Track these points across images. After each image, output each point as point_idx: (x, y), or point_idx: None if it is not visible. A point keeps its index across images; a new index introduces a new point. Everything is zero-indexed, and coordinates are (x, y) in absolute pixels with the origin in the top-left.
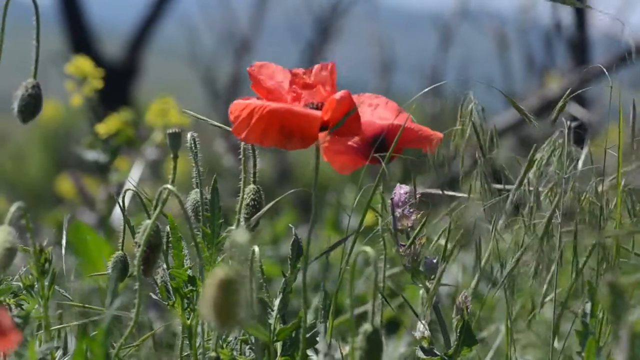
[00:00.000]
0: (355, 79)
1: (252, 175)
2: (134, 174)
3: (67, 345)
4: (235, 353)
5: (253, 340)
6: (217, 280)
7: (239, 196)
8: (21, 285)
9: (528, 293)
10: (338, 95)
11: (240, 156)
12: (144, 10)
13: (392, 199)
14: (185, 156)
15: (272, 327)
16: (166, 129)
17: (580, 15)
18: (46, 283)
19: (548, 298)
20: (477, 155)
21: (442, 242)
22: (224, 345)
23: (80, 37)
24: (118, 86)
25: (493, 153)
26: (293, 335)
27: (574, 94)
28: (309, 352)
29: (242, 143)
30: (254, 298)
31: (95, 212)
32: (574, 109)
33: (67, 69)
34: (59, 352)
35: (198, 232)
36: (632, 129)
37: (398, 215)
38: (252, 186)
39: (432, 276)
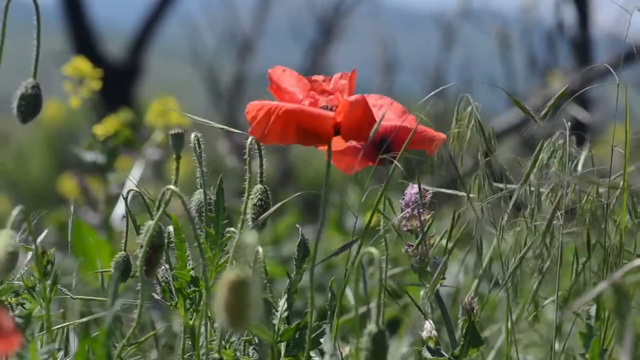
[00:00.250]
0: (358, 78)
1: (258, 175)
2: (135, 174)
3: (68, 345)
4: (238, 354)
5: (257, 341)
6: (228, 282)
7: (242, 197)
8: (23, 285)
9: (529, 293)
10: (352, 98)
11: (246, 156)
12: (146, 10)
13: (403, 198)
14: (188, 157)
15: (276, 328)
16: (167, 129)
17: (583, 14)
18: (48, 283)
19: (550, 299)
20: (478, 156)
21: (444, 242)
22: (227, 346)
23: (82, 37)
24: (120, 86)
25: (494, 154)
26: (297, 335)
27: (576, 94)
28: (312, 353)
29: (248, 143)
30: (259, 298)
31: (97, 212)
32: (575, 109)
33: (65, 70)
34: (61, 353)
35: (202, 233)
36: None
37: (408, 215)
38: (259, 186)
39: (441, 277)
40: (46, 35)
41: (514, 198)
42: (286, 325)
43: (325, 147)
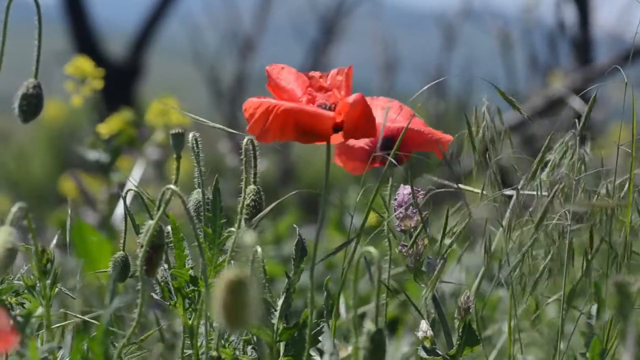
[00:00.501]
0: (359, 78)
1: (252, 176)
2: (135, 174)
3: (68, 344)
4: (237, 353)
5: (256, 340)
6: (226, 282)
7: (241, 196)
8: (23, 284)
9: (532, 292)
10: (351, 98)
11: (243, 156)
12: (147, 9)
13: (395, 199)
14: (188, 156)
15: (275, 327)
16: (167, 129)
17: (584, 14)
18: (48, 282)
19: (553, 298)
20: (486, 156)
21: (447, 241)
22: (226, 345)
23: (84, 37)
24: (122, 86)
25: (501, 153)
26: (296, 335)
27: (578, 94)
28: (311, 352)
29: (244, 143)
30: (257, 298)
31: (97, 212)
32: (577, 104)
33: (67, 69)
34: (61, 352)
35: (201, 233)
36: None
37: (401, 215)
38: (252, 187)
39: (438, 276)
40: (47, 35)
41: (514, 197)
42: (285, 324)
43: (325, 142)
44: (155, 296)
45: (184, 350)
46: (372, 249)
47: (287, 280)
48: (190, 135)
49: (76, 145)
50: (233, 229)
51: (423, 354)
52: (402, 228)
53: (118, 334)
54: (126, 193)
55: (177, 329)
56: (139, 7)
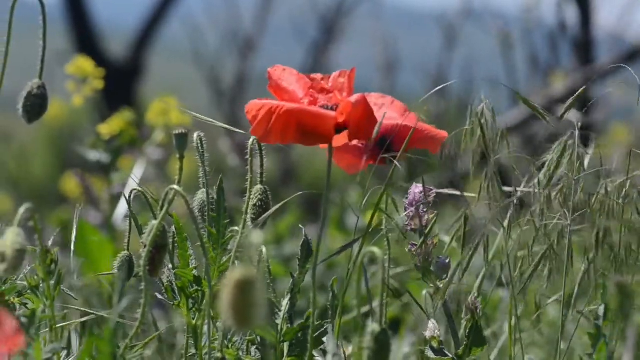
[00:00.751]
0: (359, 78)
1: (259, 175)
2: (136, 174)
3: (71, 344)
4: (241, 353)
5: (259, 341)
6: (234, 281)
7: (244, 196)
8: (26, 284)
9: (534, 292)
10: (353, 98)
11: (247, 156)
12: (148, 9)
13: (406, 197)
14: (189, 156)
15: (279, 328)
16: (167, 129)
17: (585, 14)
18: (52, 283)
19: (554, 298)
20: (485, 155)
21: (452, 243)
22: (230, 346)
23: (85, 37)
24: (123, 86)
25: (501, 153)
26: (300, 335)
27: (578, 94)
28: (314, 353)
29: (249, 143)
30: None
31: (99, 211)
32: (572, 114)
33: (68, 69)
34: (64, 353)
35: (204, 232)
36: None
37: (411, 214)
38: (259, 186)
39: (444, 276)
40: (48, 35)
41: (515, 196)
42: (289, 325)
43: (327, 145)
44: (159, 296)
45: (188, 350)
46: (376, 249)
47: (291, 280)
48: (195, 135)
49: (77, 145)
50: (236, 228)
51: (431, 354)
52: (412, 227)
53: (120, 334)
54: (130, 193)
55: (178, 328)
56: (140, 7)
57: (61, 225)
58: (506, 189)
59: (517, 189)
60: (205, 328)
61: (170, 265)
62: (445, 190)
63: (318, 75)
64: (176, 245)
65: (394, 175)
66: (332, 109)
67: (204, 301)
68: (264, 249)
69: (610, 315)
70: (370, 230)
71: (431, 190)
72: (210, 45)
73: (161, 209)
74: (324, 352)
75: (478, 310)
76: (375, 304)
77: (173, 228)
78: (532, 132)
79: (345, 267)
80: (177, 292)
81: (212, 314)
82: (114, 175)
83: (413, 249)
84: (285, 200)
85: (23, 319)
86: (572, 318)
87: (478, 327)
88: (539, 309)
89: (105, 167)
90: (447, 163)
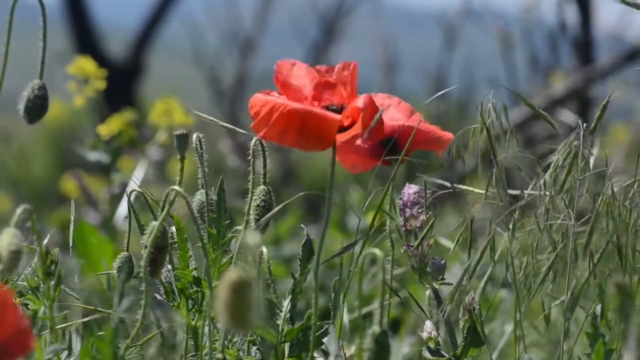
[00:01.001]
0: (360, 77)
1: (261, 176)
2: (137, 174)
3: (71, 345)
4: (242, 354)
5: (260, 341)
6: (230, 282)
7: (244, 197)
8: (27, 285)
9: (537, 293)
10: (361, 102)
11: (249, 157)
12: (148, 9)
13: (401, 198)
14: (190, 157)
15: (280, 328)
16: (170, 129)
17: (585, 14)
18: (52, 284)
19: (559, 300)
20: (491, 155)
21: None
22: (230, 346)
23: (84, 37)
24: (123, 86)
25: (506, 153)
26: (300, 336)
27: (578, 94)
28: (315, 353)
29: (252, 143)
30: (261, 299)
31: (99, 212)
32: (566, 115)
33: (69, 70)
34: (64, 354)
35: (204, 233)
36: None
37: (407, 215)
38: (262, 187)
39: (440, 277)
40: (48, 35)
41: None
42: (290, 325)
43: (323, 149)
44: (158, 297)
45: (187, 351)
46: (376, 250)
47: (292, 280)
48: (194, 136)
49: (77, 145)
50: (239, 228)
51: (427, 354)
52: (408, 228)
53: (120, 334)
54: (130, 193)
55: (178, 329)
56: (140, 7)
57: (61, 225)
58: (512, 192)
59: (524, 192)
60: (206, 329)
61: (170, 266)
62: (444, 190)
63: (323, 67)
64: (176, 246)
65: (396, 175)
66: (335, 109)
67: (204, 302)
68: (265, 250)
69: (607, 314)
70: (369, 230)
71: (428, 190)
72: (210, 45)
73: (162, 209)
74: (325, 353)
75: (475, 311)
76: (376, 304)
77: (172, 229)
78: (532, 132)
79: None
80: (176, 293)
81: (212, 315)
82: (114, 175)
83: (409, 250)
84: (287, 201)
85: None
86: (574, 318)
87: (475, 327)
88: (544, 311)
89: (105, 168)
90: (450, 163)
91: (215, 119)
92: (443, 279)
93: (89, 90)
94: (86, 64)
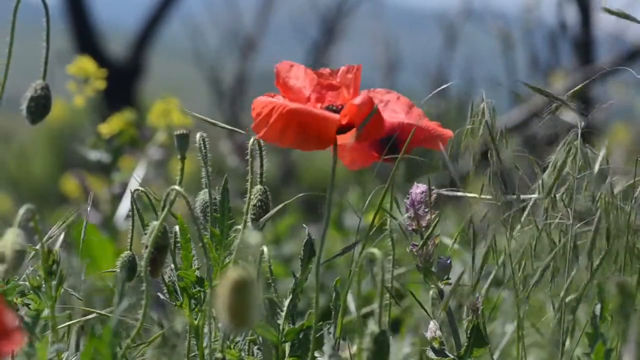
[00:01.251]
0: (360, 77)
1: (258, 176)
2: (137, 174)
3: (76, 344)
4: (243, 354)
5: (261, 341)
6: (230, 282)
7: (244, 197)
8: (28, 285)
9: (534, 292)
10: (358, 100)
11: (247, 157)
12: (148, 9)
13: (408, 197)
14: (191, 156)
15: (280, 328)
16: (169, 129)
17: (585, 14)
18: (54, 283)
19: (561, 300)
20: (487, 155)
21: (455, 244)
22: (232, 346)
23: (85, 37)
24: (123, 86)
25: (504, 153)
26: (301, 336)
27: (578, 94)
28: (316, 353)
29: (250, 143)
30: (262, 298)
31: (100, 212)
32: (567, 115)
33: (69, 69)
34: (66, 353)
35: (206, 233)
36: None
37: (413, 215)
38: (258, 187)
39: (445, 277)
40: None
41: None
42: (291, 325)
43: (323, 148)
44: (161, 296)
45: (190, 351)
46: (376, 251)
47: (293, 280)
48: (198, 135)
49: (77, 145)
50: (239, 227)
51: (431, 354)
52: (414, 227)
53: (121, 334)
54: (133, 193)
55: (179, 329)
56: (140, 7)
57: (63, 225)
58: (509, 197)
59: (522, 196)
60: (207, 328)
61: (173, 266)
62: (449, 190)
63: (326, 71)
64: (178, 245)
65: (396, 174)
66: (336, 110)
67: (206, 302)
68: (266, 249)
69: (606, 314)
70: (369, 229)
71: (433, 190)
72: (211, 45)
73: (162, 209)
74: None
75: (479, 311)
76: (375, 305)
77: (175, 228)
78: (532, 132)
79: (344, 268)
80: (179, 292)
81: (213, 315)
82: (114, 175)
83: (414, 250)
84: (287, 202)
85: (26, 319)
86: (575, 319)
87: (479, 327)
88: (544, 312)
89: (105, 167)
90: (450, 162)
91: (213, 121)
92: (448, 278)
93: (89, 90)
94: (86, 64)
